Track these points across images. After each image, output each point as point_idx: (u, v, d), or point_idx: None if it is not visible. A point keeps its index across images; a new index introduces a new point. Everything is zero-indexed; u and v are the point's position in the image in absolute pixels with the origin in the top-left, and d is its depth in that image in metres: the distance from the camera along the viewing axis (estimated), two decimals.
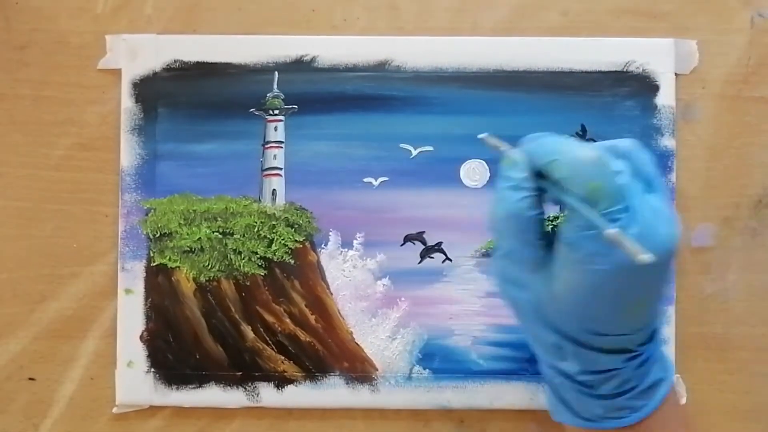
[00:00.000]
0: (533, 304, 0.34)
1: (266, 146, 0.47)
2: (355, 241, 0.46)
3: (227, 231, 0.47)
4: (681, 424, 0.36)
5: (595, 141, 0.46)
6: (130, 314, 0.46)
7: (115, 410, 0.46)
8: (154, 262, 0.46)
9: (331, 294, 0.47)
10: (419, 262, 0.46)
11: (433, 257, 0.47)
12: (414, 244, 0.47)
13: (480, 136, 0.36)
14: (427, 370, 0.46)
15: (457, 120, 0.46)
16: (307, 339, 0.47)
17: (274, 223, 0.47)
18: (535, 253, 0.33)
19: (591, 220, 0.31)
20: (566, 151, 0.32)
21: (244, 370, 0.46)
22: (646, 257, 0.29)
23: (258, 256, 0.47)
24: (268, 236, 0.47)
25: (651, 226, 0.31)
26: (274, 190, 0.47)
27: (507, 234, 0.34)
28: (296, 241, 0.47)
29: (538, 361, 0.37)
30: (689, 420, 0.37)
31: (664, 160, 0.46)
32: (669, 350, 0.46)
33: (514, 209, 0.33)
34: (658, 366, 0.35)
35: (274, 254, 0.47)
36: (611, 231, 0.30)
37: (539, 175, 0.33)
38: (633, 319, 0.33)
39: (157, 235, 0.47)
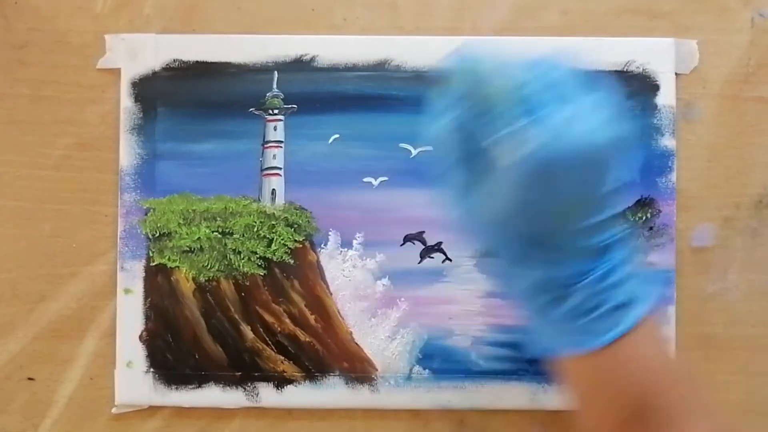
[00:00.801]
0: (480, 213, 0.34)
1: (266, 146, 0.47)
2: (354, 241, 0.46)
3: (227, 231, 0.47)
4: (656, 352, 0.35)
5: None
6: (130, 314, 0.46)
7: (114, 410, 0.46)
8: (153, 261, 0.46)
9: (331, 294, 0.47)
10: (419, 262, 0.46)
11: (433, 257, 0.46)
12: (414, 244, 0.46)
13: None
14: (427, 370, 0.46)
15: None
16: (307, 339, 0.46)
17: (273, 222, 0.47)
18: (471, 166, 0.34)
19: (514, 114, 0.32)
20: (465, 66, 0.33)
21: (243, 370, 0.46)
22: (506, 150, 0.31)
23: (257, 256, 0.46)
24: (268, 236, 0.47)
25: (559, 127, 0.31)
26: (273, 189, 0.47)
27: (439, 155, 0.35)
28: (296, 240, 0.47)
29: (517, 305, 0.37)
30: (667, 349, 0.36)
31: (664, 160, 0.46)
32: (669, 350, 0.46)
33: (445, 129, 0.34)
34: (634, 284, 0.34)
35: (274, 254, 0.47)
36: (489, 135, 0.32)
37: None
38: (564, 225, 0.33)
39: (157, 235, 0.46)
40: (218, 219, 0.47)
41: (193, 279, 0.46)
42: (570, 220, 0.33)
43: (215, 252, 0.47)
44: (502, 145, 0.32)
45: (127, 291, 0.46)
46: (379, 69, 0.47)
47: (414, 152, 0.47)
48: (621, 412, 0.34)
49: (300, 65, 0.47)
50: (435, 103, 0.35)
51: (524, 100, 0.32)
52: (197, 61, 0.47)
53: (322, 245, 0.47)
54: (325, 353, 0.46)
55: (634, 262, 0.35)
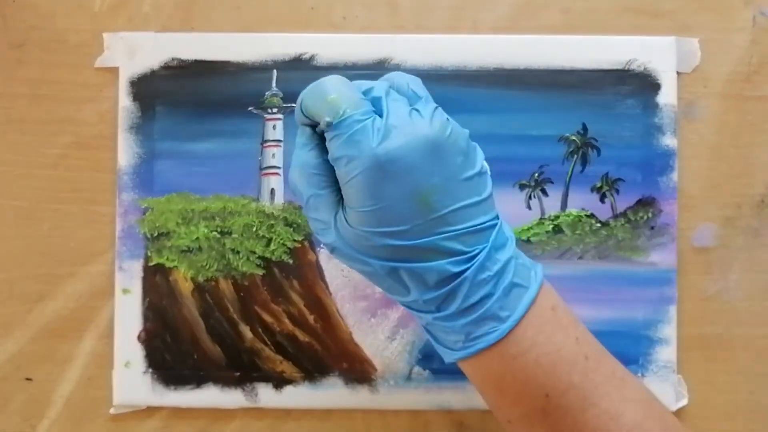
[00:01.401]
0: (343, 241, 0.35)
1: (265, 145, 0.46)
2: None
3: (225, 230, 0.46)
4: (561, 326, 0.35)
5: (596, 140, 0.46)
6: (128, 314, 0.46)
7: (112, 411, 0.46)
8: (151, 261, 0.46)
9: (330, 294, 0.47)
10: None
11: None
12: None
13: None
14: (427, 370, 0.46)
15: (456, 119, 0.45)
16: (306, 339, 0.46)
17: (272, 222, 0.46)
18: (328, 194, 0.35)
19: (324, 126, 0.33)
20: (309, 87, 0.35)
21: (242, 371, 0.46)
22: (327, 119, 0.33)
23: (256, 255, 0.46)
24: (267, 236, 0.46)
25: (404, 121, 0.33)
26: (272, 189, 0.46)
27: (302, 185, 0.36)
28: (295, 240, 0.46)
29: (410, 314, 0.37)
30: (571, 321, 0.36)
31: (665, 159, 0.46)
32: (671, 350, 0.45)
33: (301, 161, 0.35)
34: (513, 272, 0.34)
35: (273, 254, 0.46)
36: (322, 122, 0.33)
37: (312, 126, 0.36)
38: (426, 216, 0.33)
39: (155, 235, 0.46)
40: (217, 218, 0.46)
41: (192, 279, 0.46)
42: (436, 205, 0.33)
43: (214, 252, 0.46)
44: (345, 150, 0.33)
45: (125, 291, 0.46)
46: (379, 68, 0.46)
47: None
48: (525, 406, 0.34)
49: (299, 64, 0.46)
50: (300, 138, 0.36)
51: (367, 103, 0.34)
52: (196, 60, 0.46)
53: (322, 245, 0.46)
54: (325, 353, 0.46)
55: (511, 247, 0.35)
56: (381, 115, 0.33)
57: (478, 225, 0.34)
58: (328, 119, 0.33)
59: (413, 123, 0.33)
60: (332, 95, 0.34)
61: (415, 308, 0.35)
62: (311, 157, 0.35)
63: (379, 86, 0.35)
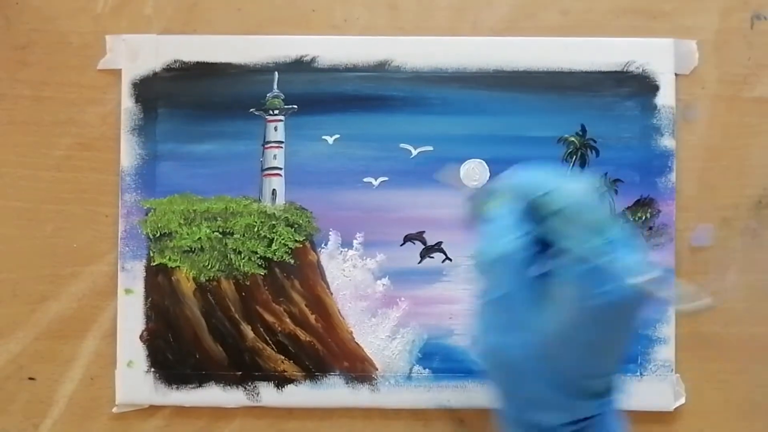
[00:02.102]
0: (529, 347, 0.31)
1: (266, 146, 0.47)
2: (355, 241, 0.46)
3: (227, 231, 0.47)
4: None
5: (595, 141, 0.46)
6: (130, 314, 0.46)
7: (115, 410, 0.46)
8: (154, 262, 0.46)
9: (331, 294, 0.47)
10: (419, 262, 0.46)
11: (433, 257, 0.47)
12: (414, 243, 0.47)
13: (438, 175, 0.34)
14: (427, 369, 0.46)
15: (457, 120, 0.46)
16: (307, 339, 0.47)
17: (274, 222, 0.47)
18: (530, 293, 0.31)
19: (594, 251, 0.30)
20: (560, 183, 0.31)
21: (244, 370, 0.46)
22: (708, 301, 0.29)
23: (258, 255, 0.47)
24: (268, 236, 0.47)
25: (627, 269, 0.30)
26: (274, 189, 0.47)
27: (501, 276, 0.32)
28: (296, 240, 0.47)
29: (501, 421, 0.34)
30: None
31: (663, 160, 0.46)
32: (669, 350, 0.46)
33: (508, 250, 0.31)
34: (614, 414, 0.33)
35: (274, 254, 0.47)
36: (653, 274, 0.29)
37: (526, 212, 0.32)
38: (617, 359, 0.32)
39: (157, 235, 0.47)
40: (219, 219, 0.47)
41: (194, 279, 0.47)
42: (625, 349, 0.32)
43: (216, 252, 0.47)
44: (573, 278, 0.30)
45: (127, 291, 0.46)
46: (379, 69, 0.47)
47: (414, 152, 0.47)
48: None
49: (300, 66, 0.47)
50: (504, 216, 0.32)
51: (606, 243, 0.30)
52: (198, 62, 0.47)
53: (323, 245, 0.47)
54: (326, 353, 0.46)
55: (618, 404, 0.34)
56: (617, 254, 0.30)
57: (615, 380, 0.33)
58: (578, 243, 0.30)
59: (641, 264, 0.30)
60: (602, 237, 0.30)
61: (533, 427, 0.33)
62: (521, 249, 0.31)
63: (618, 225, 0.31)
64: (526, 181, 0.32)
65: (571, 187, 0.31)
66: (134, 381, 0.46)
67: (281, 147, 0.47)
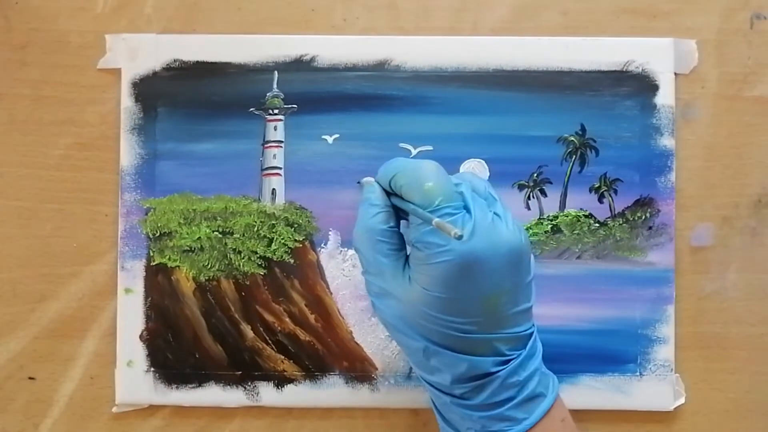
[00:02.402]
0: (397, 311, 0.36)
1: (266, 146, 0.47)
2: None
3: (227, 230, 0.47)
4: None
5: (595, 141, 0.46)
6: (130, 314, 0.46)
7: (114, 409, 0.46)
8: (153, 261, 0.46)
9: (331, 293, 0.47)
10: None
11: None
12: None
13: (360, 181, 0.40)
14: None
15: (456, 120, 0.46)
16: (307, 338, 0.47)
17: (273, 222, 0.47)
18: (391, 262, 0.36)
19: (424, 216, 0.34)
20: (406, 165, 0.36)
21: (243, 370, 0.46)
22: (458, 231, 0.33)
23: (258, 255, 0.47)
24: (268, 236, 0.47)
25: (489, 224, 0.35)
26: (273, 189, 0.47)
27: (365, 247, 0.37)
28: (296, 240, 0.47)
29: (422, 384, 0.38)
30: None
31: (663, 159, 0.46)
32: (668, 350, 0.46)
33: (368, 224, 0.37)
34: (538, 380, 0.36)
35: (274, 254, 0.47)
36: (435, 220, 0.34)
37: (392, 194, 0.37)
38: (490, 316, 0.35)
39: (157, 235, 0.47)
40: (218, 219, 0.47)
41: (194, 278, 0.47)
42: (503, 307, 0.35)
43: (215, 251, 0.47)
44: (434, 238, 0.34)
45: (127, 290, 0.46)
46: (379, 69, 0.47)
47: (414, 152, 0.47)
48: None
49: (300, 65, 0.47)
50: (370, 194, 0.38)
51: (460, 197, 0.35)
52: (197, 61, 0.47)
53: (323, 245, 0.47)
54: (325, 352, 0.46)
55: (539, 356, 0.37)
56: (468, 212, 0.35)
57: (522, 331, 0.36)
58: (419, 203, 0.35)
59: (497, 228, 0.35)
60: (429, 183, 0.35)
61: (437, 388, 0.37)
62: (378, 222, 0.37)
63: (464, 184, 0.36)
64: (385, 166, 0.38)
65: (413, 166, 0.36)
66: (134, 381, 0.46)
67: (281, 146, 0.47)
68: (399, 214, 0.38)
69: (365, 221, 0.37)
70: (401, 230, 0.38)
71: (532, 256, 0.37)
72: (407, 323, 0.36)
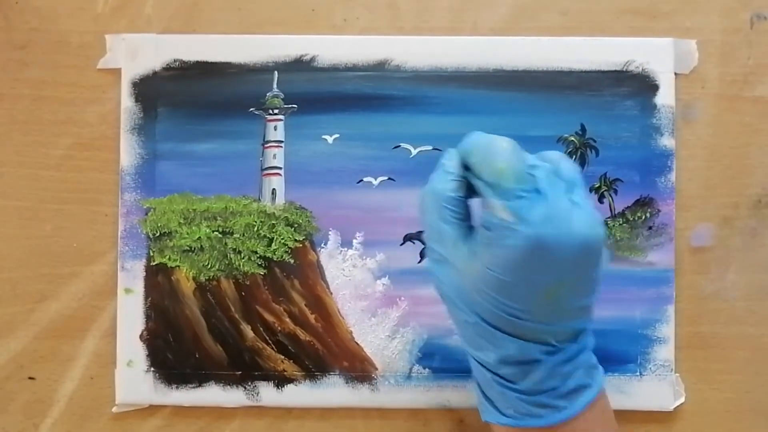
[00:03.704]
0: (454, 281, 0.35)
1: (266, 146, 0.47)
2: (354, 241, 0.46)
3: (227, 230, 0.47)
4: (605, 429, 0.36)
5: (595, 141, 0.46)
6: (130, 314, 0.46)
7: (114, 409, 0.46)
8: (153, 261, 0.46)
9: (331, 293, 0.47)
10: (419, 262, 0.46)
11: None
12: (414, 243, 0.47)
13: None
14: (427, 369, 0.46)
15: (456, 120, 0.46)
16: (307, 338, 0.47)
17: (273, 222, 0.47)
18: (453, 230, 0.35)
19: (489, 196, 0.33)
20: (480, 141, 0.35)
21: (243, 370, 0.46)
22: (506, 214, 0.32)
23: (258, 255, 0.47)
24: (268, 236, 0.47)
25: (562, 212, 0.33)
26: (273, 189, 0.47)
27: (430, 211, 0.36)
28: (296, 240, 0.47)
29: (468, 358, 0.38)
30: (615, 427, 0.37)
31: (663, 159, 0.46)
32: (668, 350, 0.46)
33: (437, 189, 0.35)
34: (584, 372, 0.35)
35: (274, 254, 0.47)
36: (492, 200, 0.33)
37: (468, 168, 0.36)
38: (548, 307, 0.34)
39: (157, 235, 0.47)
40: (218, 218, 0.47)
41: (194, 278, 0.47)
42: (563, 300, 0.34)
43: (215, 251, 0.47)
44: (508, 218, 0.33)
45: (127, 291, 0.46)
46: (379, 69, 0.47)
47: (414, 152, 0.47)
48: None
49: (300, 65, 0.47)
50: (447, 161, 0.36)
51: (533, 180, 0.33)
52: (198, 61, 0.47)
53: (323, 245, 0.47)
54: (325, 352, 0.46)
55: (590, 349, 0.37)
56: (541, 195, 0.33)
57: (579, 326, 0.35)
58: (490, 182, 0.33)
59: (573, 216, 0.33)
60: (501, 164, 0.33)
61: (483, 365, 0.36)
62: (449, 190, 0.35)
63: (543, 165, 0.34)
64: (465, 140, 0.36)
65: (488, 143, 0.35)
66: (134, 381, 0.46)
67: (281, 146, 0.47)
68: (471, 187, 0.37)
69: (434, 185, 0.36)
70: (472, 204, 0.37)
71: (605, 251, 0.35)
72: (461, 296, 0.35)
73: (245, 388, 0.46)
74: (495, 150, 0.34)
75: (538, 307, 0.34)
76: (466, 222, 0.36)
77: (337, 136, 0.47)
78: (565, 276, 0.33)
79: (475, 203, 0.36)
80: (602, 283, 0.44)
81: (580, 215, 0.33)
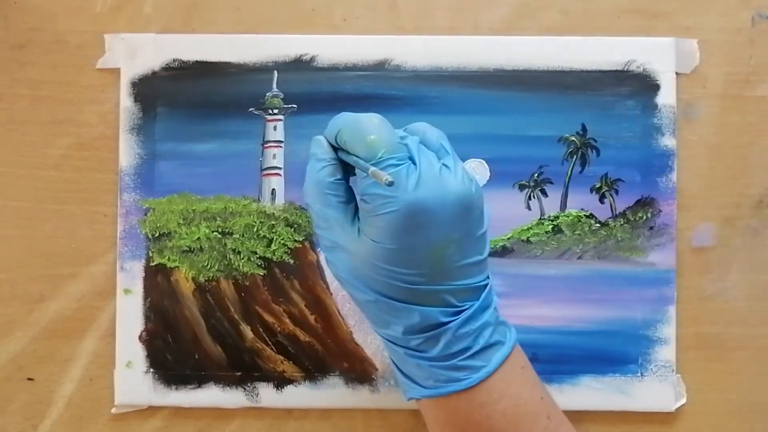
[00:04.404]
0: (348, 264, 0.36)
1: (265, 146, 0.47)
2: None
3: (226, 231, 0.47)
4: (528, 384, 0.37)
5: (596, 141, 0.46)
6: (129, 314, 0.46)
7: (114, 410, 0.46)
8: (153, 262, 0.46)
9: (331, 294, 0.47)
10: None
11: None
12: None
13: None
14: None
15: (457, 120, 0.46)
16: (307, 339, 0.46)
17: (273, 222, 0.47)
18: (339, 214, 0.36)
19: (365, 167, 0.34)
20: (349, 119, 0.36)
21: (243, 371, 0.46)
22: (388, 178, 0.33)
23: (257, 255, 0.46)
24: (268, 236, 0.47)
25: (435, 175, 0.34)
26: (273, 189, 0.47)
27: (314, 201, 0.37)
28: (296, 240, 0.47)
29: (381, 341, 0.39)
30: (537, 382, 0.38)
31: (664, 159, 0.46)
32: (670, 350, 0.46)
33: (316, 178, 0.37)
34: (493, 329, 0.36)
35: (274, 254, 0.46)
36: (371, 169, 0.34)
37: (339, 148, 0.37)
38: (439, 266, 0.35)
39: (156, 235, 0.46)
40: (218, 219, 0.47)
41: (193, 279, 0.46)
42: (453, 258, 0.35)
43: (215, 252, 0.46)
44: (379, 189, 0.34)
45: (126, 291, 0.46)
46: (379, 69, 0.47)
47: None
48: None
49: (300, 65, 0.47)
50: (317, 150, 0.38)
51: (405, 148, 0.35)
52: (197, 61, 0.47)
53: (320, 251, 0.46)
54: (325, 353, 0.46)
55: (494, 306, 0.37)
56: (414, 163, 0.35)
57: (475, 283, 0.36)
58: (364, 156, 0.35)
59: (444, 178, 0.35)
60: (372, 136, 0.35)
61: (393, 341, 0.37)
62: (326, 175, 0.37)
63: (410, 137, 0.36)
64: (332, 122, 0.38)
65: (356, 120, 0.36)
66: (133, 381, 0.46)
67: (281, 146, 0.47)
68: (348, 168, 0.38)
69: (312, 175, 0.37)
70: (350, 184, 0.38)
71: (485, 209, 0.37)
72: (357, 276, 0.36)
73: (245, 388, 0.46)
74: (364, 124, 0.36)
75: (430, 268, 0.34)
76: (350, 204, 0.37)
77: None
78: (448, 234, 0.34)
79: (353, 182, 0.38)
80: (603, 284, 0.44)
81: (451, 176, 0.35)
